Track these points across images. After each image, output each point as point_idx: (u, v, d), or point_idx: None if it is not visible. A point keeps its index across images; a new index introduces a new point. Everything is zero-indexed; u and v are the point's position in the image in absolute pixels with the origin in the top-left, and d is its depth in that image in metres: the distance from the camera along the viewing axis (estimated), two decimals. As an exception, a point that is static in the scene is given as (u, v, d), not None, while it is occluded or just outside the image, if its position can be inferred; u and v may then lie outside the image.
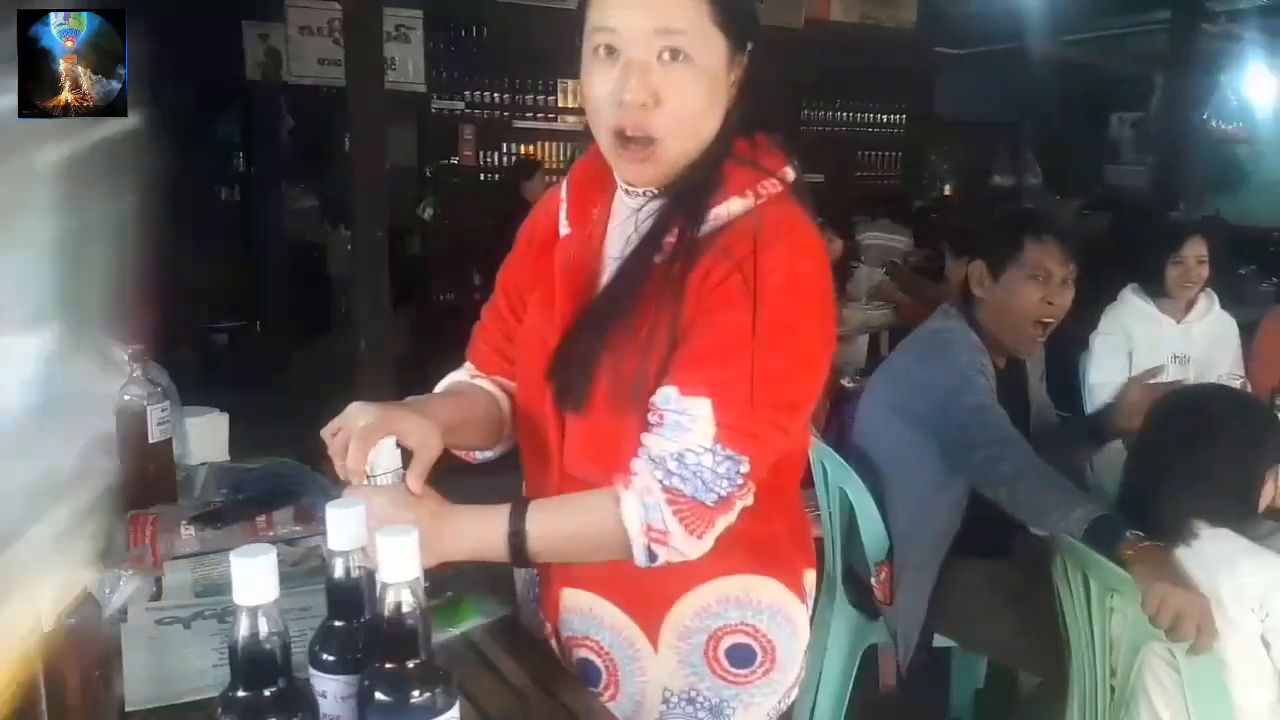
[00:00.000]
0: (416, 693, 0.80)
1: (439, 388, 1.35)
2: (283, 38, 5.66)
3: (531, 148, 6.53)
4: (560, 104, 6.52)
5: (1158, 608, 1.55)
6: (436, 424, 1.12)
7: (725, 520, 1.09)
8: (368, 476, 1.08)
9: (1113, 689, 1.74)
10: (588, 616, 1.23)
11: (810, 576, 1.27)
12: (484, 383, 1.33)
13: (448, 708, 0.81)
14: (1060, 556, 1.82)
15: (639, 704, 1.23)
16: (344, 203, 6.63)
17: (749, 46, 1.12)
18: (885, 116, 7.77)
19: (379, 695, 0.80)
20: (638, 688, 1.23)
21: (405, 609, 0.80)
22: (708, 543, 1.09)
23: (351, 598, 0.88)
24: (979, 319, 2.26)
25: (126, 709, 1.11)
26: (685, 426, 1.06)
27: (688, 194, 1.12)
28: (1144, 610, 1.58)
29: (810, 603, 1.27)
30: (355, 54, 3.99)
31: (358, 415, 1.09)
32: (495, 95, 6.38)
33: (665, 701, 1.22)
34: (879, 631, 2.42)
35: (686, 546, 1.08)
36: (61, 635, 1.05)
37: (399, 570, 0.79)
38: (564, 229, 1.23)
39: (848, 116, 7.57)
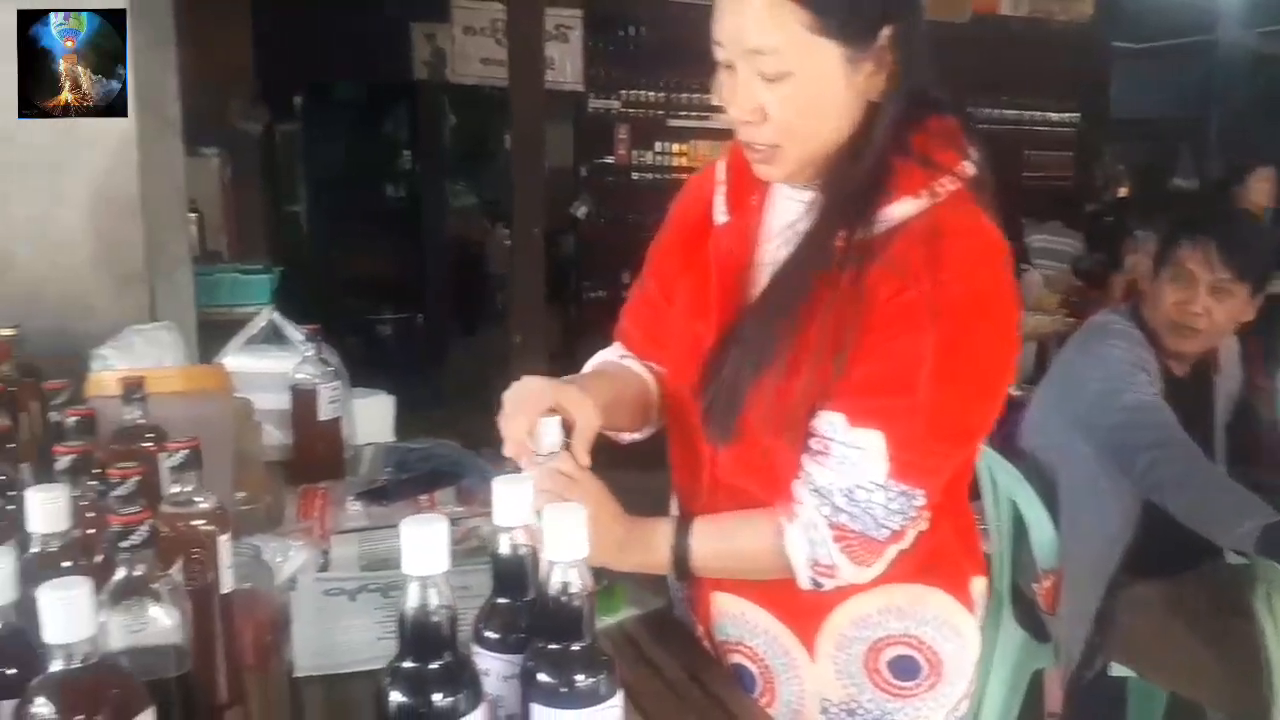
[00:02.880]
0: (580, 676, 0.77)
1: (588, 366, 1.31)
2: (448, 37, 5.84)
3: (684, 146, 6.52)
4: (715, 101, 6.47)
5: None
6: (596, 400, 1.09)
7: (897, 548, 1.05)
8: (536, 455, 1.07)
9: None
10: (740, 622, 1.19)
11: (979, 584, 1.20)
12: (633, 364, 1.29)
13: (611, 694, 0.78)
14: (1266, 586, 1.65)
15: (796, 713, 1.18)
16: (503, 201, 6.83)
17: (885, 33, 1.02)
18: (1056, 115, 7.39)
19: (542, 676, 0.78)
20: (794, 696, 1.18)
21: (572, 589, 0.77)
22: (877, 569, 1.05)
23: (517, 575, 0.86)
24: (1145, 316, 2.12)
25: (295, 674, 1.14)
26: (854, 461, 1.00)
27: (852, 192, 1.04)
28: None
29: (979, 612, 1.20)
30: (517, 54, 4.07)
31: (525, 385, 1.07)
32: (651, 94, 6.39)
33: (824, 712, 1.17)
34: (1047, 655, 2.29)
35: (854, 576, 1.05)
36: (239, 598, 1.07)
37: (566, 549, 0.77)
38: (720, 216, 1.18)
39: (1015, 115, 7.23)
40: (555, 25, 5.77)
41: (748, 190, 1.16)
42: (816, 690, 1.17)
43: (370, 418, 1.96)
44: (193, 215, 3.99)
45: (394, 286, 6.49)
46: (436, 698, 0.75)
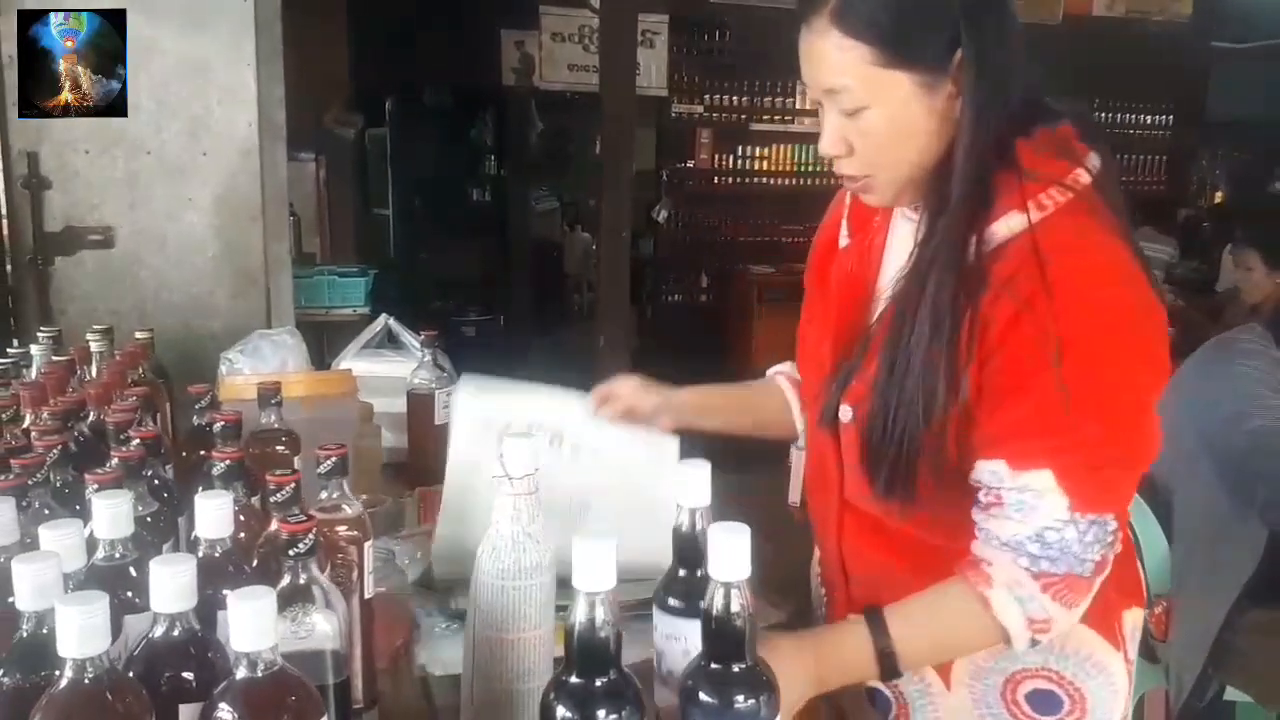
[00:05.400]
0: (741, 697, 0.77)
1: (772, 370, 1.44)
2: (536, 44, 5.90)
3: (766, 151, 6.50)
4: (797, 106, 6.44)
5: None
6: (676, 405, 1.34)
7: (1102, 578, 1.01)
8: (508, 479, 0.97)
9: None
10: None
11: (1133, 617, 1.16)
12: (782, 380, 1.38)
13: (772, 716, 0.78)
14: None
15: None
16: (583, 205, 6.87)
17: (958, 55, 0.99)
18: (1149, 118, 7.19)
19: (703, 695, 0.78)
20: None
21: (734, 608, 0.77)
22: (1084, 608, 1.02)
23: (693, 549, 0.91)
24: None
25: (425, 673, 1.16)
26: (1032, 504, 0.97)
27: (949, 213, 1.02)
28: None
29: (1131, 646, 1.16)
30: (609, 60, 4.09)
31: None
32: (733, 98, 6.38)
33: None
34: (1157, 675, 2.21)
35: (1068, 621, 1.01)
36: (377, 602, 1.09)
37: (730, 569, 0.77)
38: (843, 239, 1.19)
39: (1107, 118, 7.04)
40: (641, 30, 5.77)
41: (871, 212, 1.16)
42: (953, 719, 1.15)
43: (477, 422, 1.97)
44: (290, 218, 4.10)
45: (478, 288, 6.57)
46: (600, 714, 0.75)
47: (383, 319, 1.92)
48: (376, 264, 4.60)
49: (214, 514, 0.88)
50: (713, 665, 0.78)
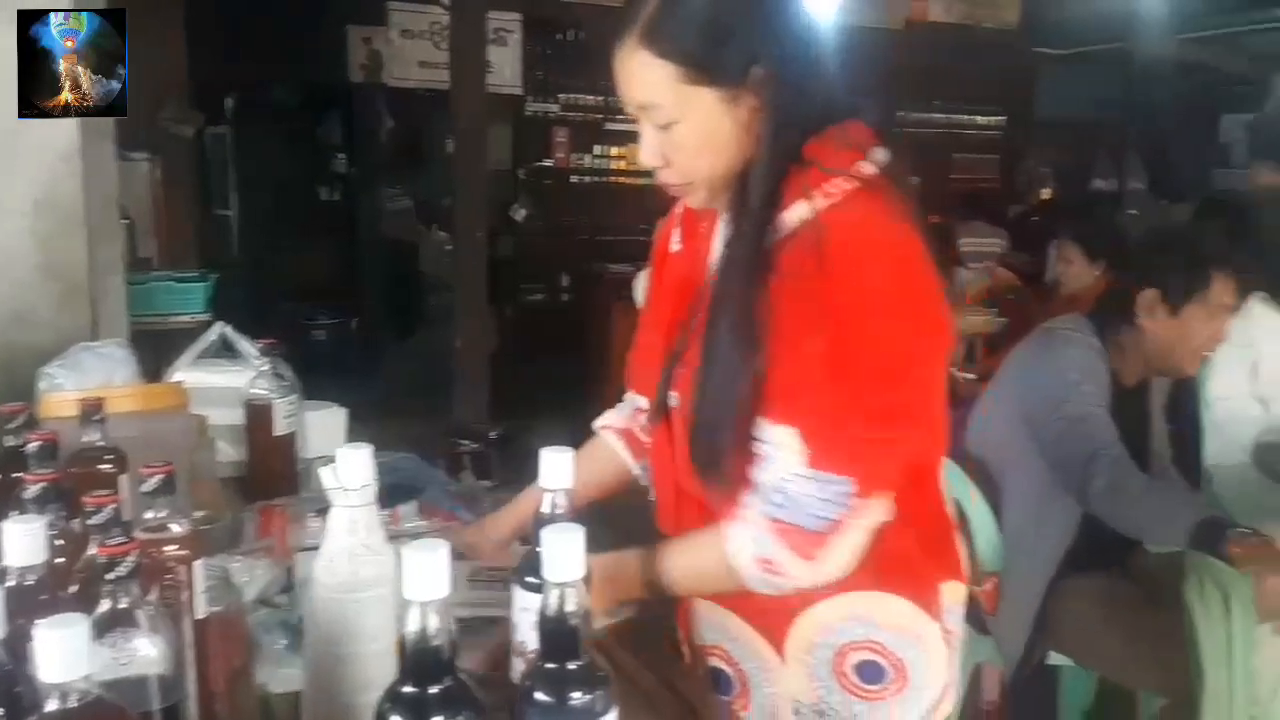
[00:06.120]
0: (578, 694, 0.79)
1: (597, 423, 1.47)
2: (385, 41, 5.78)
3: (623, 149, 6.55)
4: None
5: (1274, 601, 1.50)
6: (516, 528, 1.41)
7: (844, 542, 1.07)
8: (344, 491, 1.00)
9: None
10: (717, 627, 1.23)
11: (951, 590, 1.22)
12: (609, 435, 1.44)
13: (607, 710, 0.80)
14: (1198, 577, 1.73)
15: (771, 715, 1.22)
16: (438, 203, 6.78)
17: (757, 71, 1.06)
18: (983, 119, 7.61)
19: (539, 695, 0.79)
20: (768, 699, 1.22)
21: (568, 608, 0.78)
22: (829, 565, 1.08)
23: None
24: (1122, 339, 2.14)
25: (265, 689, 1.13)
26: (775, 457, 1.06)
27: (746, 209, 1.10)
28: (1258, 606, 1.56)
29: (951, 619, 1.22)
30: (459, 58, 4.05)
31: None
32: (589, 97, 6.41)
33: (796, 713, 1.20)
34: (988, 647, 2.35)
35: (804, 572, 1.08)
36: (211, 622, 1.06)
37: (563, 569, 0.78)
38: (675, 244, 1.26)
39: (944, 119, 7.42)
40: (494, 29, 5.75)
41: (699, 218, 1.23)
42: (788, 692, 1.20)
43: (323, 431, 1.93)
44: (123, 222, 3.87)
45: (328, 290, 6.39)
46: (436, 721, 0.75)
47: (217, 327, 1.85)
48: (219, 267, 4.41)
49: (22, 540, 0.84)
50: (548, 664, 0.79)
